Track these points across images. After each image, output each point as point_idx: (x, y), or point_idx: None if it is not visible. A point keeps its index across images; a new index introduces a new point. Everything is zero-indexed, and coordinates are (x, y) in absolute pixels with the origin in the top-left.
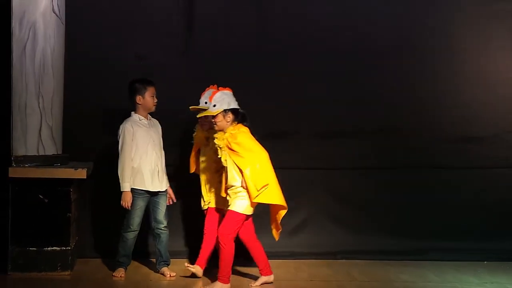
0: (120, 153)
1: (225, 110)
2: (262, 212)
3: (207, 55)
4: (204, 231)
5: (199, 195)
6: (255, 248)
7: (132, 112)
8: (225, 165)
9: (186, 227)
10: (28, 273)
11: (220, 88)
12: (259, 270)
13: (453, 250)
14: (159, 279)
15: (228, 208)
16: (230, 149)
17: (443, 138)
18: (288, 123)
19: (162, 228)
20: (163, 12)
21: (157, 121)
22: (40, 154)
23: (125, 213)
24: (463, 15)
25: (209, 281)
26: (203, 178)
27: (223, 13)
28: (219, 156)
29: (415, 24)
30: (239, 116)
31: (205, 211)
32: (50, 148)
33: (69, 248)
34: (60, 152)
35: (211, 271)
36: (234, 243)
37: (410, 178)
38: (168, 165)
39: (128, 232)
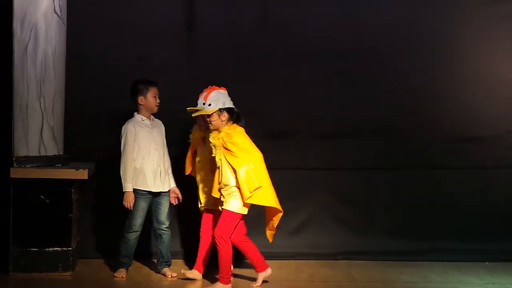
0: (122, 153)
1: (220, 109)
2: (262, 213)
3: (207, 55)
4: (200, 233)
5: (197, 196)
6: (248, 248)
7: (135, 113)
8: (219, 164)
9: (184, 227)
10: (30, 274)
11: (215, 87)
12: (255, 268)
13: (454, 250)
14: (160, 279)
15: (223, 208)
16: (225, 148)
17: (443, 138)
18: (288, 123)
19: (164, 229)
20: (164, 12)
21: (160, 122)
22: (42, 154)
23: (127, 214)
24: (463, 15)
25: (209, 282)
26: (199, 178)
27: (224, 13)
28: (213, 155)
29: (415, 24)
30: (234, 116)
31: (202, 212)
32: (52, 148)
33: (71, 248)
34: (61, 152)
35: (211, 273)
36: (231, 243)
37: (410, 178)
38: None
39: (130, 232)
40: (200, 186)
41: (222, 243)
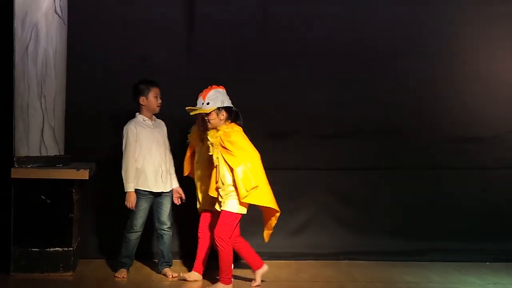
0: (123, 154)
1: (218, 108)
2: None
3: (207, 55)
4: (199, 234)
5: (195, 196)
6: (241, 248)
7: (137, 113)
8: (216, 163)
9: (184, 228)
10: (30, 274)
11: (213, 86)
12: (251, 267)
13: (454, 250)
14: (161, 279)
15: (221, 209)
16: (223, 147)
17: (443, 138)
18: (288, 123)
19: (165, 229)
20: (164, 12)
21: (163, 122)
22: (42, 154)
23: (128, 214)
24: (463, 15)
25: (209, 282)
26: (197, 179)
27: (224, 13)
28: (210, 153)
29: (415, 24)
30: (232, 115)
31: (200, 213)
32: (52, 148)
33: (71, 248)
34: (62, 152)
35: (211, 273)
36: (231, 244)
37: (410, 178)
38: None
39: (131, 233)
40: (198, 186)
41: (222, 244)
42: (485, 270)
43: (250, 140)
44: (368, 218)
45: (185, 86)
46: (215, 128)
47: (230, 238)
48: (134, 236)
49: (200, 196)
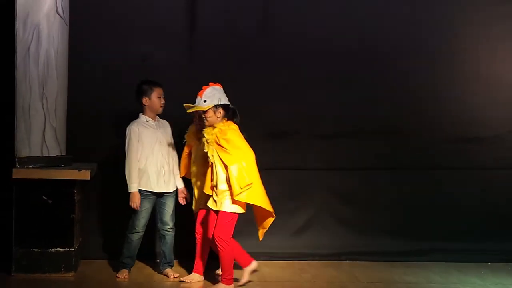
0: (126, 154)
1: (215, 106)
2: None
3: (207, 55)
4: (196, 234)
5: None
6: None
7: (140, 114)
8: (211, 160)
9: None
10: (32, 274)
11: (210, 83)
12: (240, 264)
13: (454, 250)
14: (163, 280)
15: (219, 209)
16: (218, 144)
17: (443, 138)
18: (288, 123)
19: (168, 230)
20: (165, 12)
21: (167, 122)
22: (44, 155)
23: (130, 214)
24: (463, 15)
25: (210, 283)
26: (193, 176)
27: (225, 13)
28: (205, 151)
29: (415, 24)
30: (229, 112)
31: (197, 214)
32: (54, 149)
33: (73, 249)
34: (64, 153)
35: (211, 272)
36: (232, 244)
37: (410, 178)
38: None
39: (133, 233)
40: (194, 182)
41: (223, 244)
42: (486, 270)
43: (245, 139)
44: (368, 218)
45: (186, 86)
46: (212, 125)
47: (230, 238)
48: (136, 237)
49: (196, 193)
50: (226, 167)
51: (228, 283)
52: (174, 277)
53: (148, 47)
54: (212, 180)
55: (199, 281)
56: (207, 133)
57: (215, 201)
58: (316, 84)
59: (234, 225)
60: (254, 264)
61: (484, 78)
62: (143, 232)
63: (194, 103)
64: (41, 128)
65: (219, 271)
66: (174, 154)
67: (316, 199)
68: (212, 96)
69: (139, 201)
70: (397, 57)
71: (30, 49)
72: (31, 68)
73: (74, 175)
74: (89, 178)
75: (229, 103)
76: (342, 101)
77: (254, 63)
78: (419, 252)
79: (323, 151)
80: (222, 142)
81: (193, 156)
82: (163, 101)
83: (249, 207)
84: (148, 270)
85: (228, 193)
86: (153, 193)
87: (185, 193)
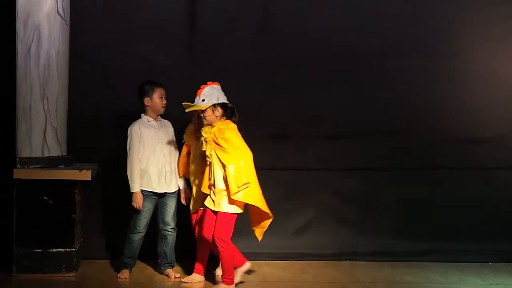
0: (128, 154)
1: (214, 105)
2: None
3: (208, 55)
4: (195, 235)
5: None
6: None
7: (142, 114)
8: (209, 159)
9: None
10: (33, 275)
11: (208, 82)
12: (234, 265)
13: (454, 251)
14: (164, 280)
15: (218, 210)
16: (216, 143)
17: (443, 138)
18: (288, 123)
19: (169, 230)
20: (165, 12)
21: (169, 123)
22: (45, 155)
23: (131, 214)
24: (463, 15)
25: (211, 284)
26: (192, 178)
27: (225, 13)
28: (203, 149)
29: (415, 24)
30: (228, 111)
31: (195, 214)
32: (55, 149)
33: (74, 249)
34: (64, 153)
35: (210, 274)
36: (232, 244)
37: (410, 178)
38: None
39: (135, 233)
40: (192, 180)
41: (223, 245)
42: (488, 271)
43: (243, 138)
44: (368, 218)
45: (186, 86)
46: (210, 124)
47: (230, 238)
48: (138, 237)
49: (194, 190)
50: (224, 166)
51: (229, 283)
52: (175, 277)
53: (148, 47)
54: (210, 179)
55: (199, 282)
56: (205, 132)
57: (213, 201)
58: (316, 84)
59: (233, 225)
60: (247, 265)
61: (484, 78)
62: (144, 232)
63: (193, 102)
64: (42, 129)
65: (217, 271)
66: (176, 154)
67: (316, 199)
68: (210, 95)
69: (142, 201)
70: (397, 57)
71: (30, 50)
72: (31, 68)
73: (75, 175)
74: (90, 178)
75: (227, 101)
76: (342, 101)
77: (254, 63)
78: (419, 252)
79: (323, 151)
80: (220, 141)
81: (192, 155)
82: (164, 102)
83: (246, 207)
84: (149, 270)
85: (225, 192)
86: (154, 193)
87: (188, 193)
